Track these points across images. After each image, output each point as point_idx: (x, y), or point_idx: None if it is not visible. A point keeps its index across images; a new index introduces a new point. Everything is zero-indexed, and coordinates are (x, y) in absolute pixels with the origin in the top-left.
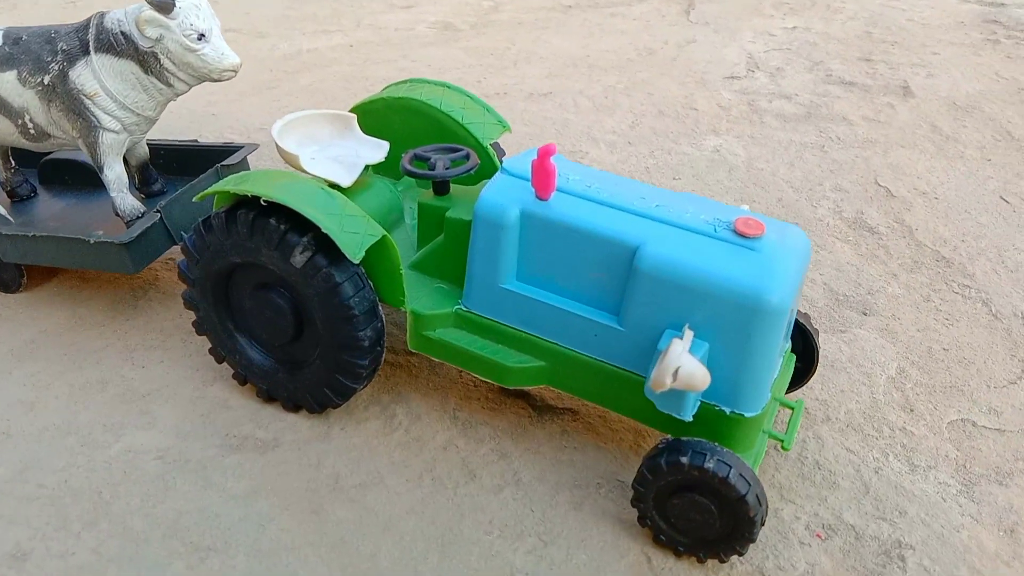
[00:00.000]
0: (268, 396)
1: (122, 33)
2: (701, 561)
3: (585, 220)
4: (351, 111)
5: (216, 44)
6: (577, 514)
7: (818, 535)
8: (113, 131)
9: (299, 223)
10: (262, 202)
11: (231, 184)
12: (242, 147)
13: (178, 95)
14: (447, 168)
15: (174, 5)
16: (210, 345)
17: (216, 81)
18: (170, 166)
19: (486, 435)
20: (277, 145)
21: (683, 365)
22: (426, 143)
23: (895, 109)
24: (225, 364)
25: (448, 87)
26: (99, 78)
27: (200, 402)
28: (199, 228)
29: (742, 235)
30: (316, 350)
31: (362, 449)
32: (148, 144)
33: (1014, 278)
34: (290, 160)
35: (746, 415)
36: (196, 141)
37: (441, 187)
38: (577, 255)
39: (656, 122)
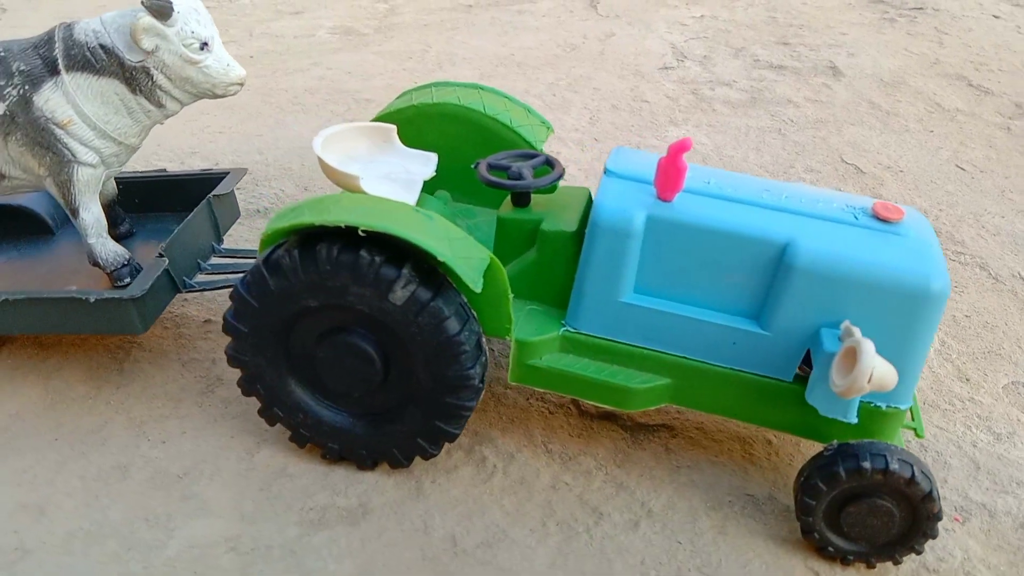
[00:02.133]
0: (339, 456)
1: (101, 46)
2: (871, 566)
3: (722, 220)
4: (375, 122)
5: (219, 54)
6: (726, 538)
7: (956, 519)
8: (90, 165)
9: (392, 253)
10: (360, 232)
11: (305, 215)
12: (227, 173)
13: (168, 117)
14: (533, 177)
15: (172, 9)
16: (259, 406)
17: (219, 97)
18: (130, 202)
19: (591, 466)
20: (326, 166)
21: (876, 366)
22: (470, 151)
23: (832, 89)
24: (277, 426)
25: (483, 89)
26: (73, 102)
27: (252, 474)
28: (259, 271)
29: (885, 220)
30: (403, 395)
31: (466, 502)
32: None
33: (1000, 241)
34: (344, 182)
35: (901, 408)
36: (164, 171)
37: (522, 199)
38: (710, 258)
39: (614, 117)
